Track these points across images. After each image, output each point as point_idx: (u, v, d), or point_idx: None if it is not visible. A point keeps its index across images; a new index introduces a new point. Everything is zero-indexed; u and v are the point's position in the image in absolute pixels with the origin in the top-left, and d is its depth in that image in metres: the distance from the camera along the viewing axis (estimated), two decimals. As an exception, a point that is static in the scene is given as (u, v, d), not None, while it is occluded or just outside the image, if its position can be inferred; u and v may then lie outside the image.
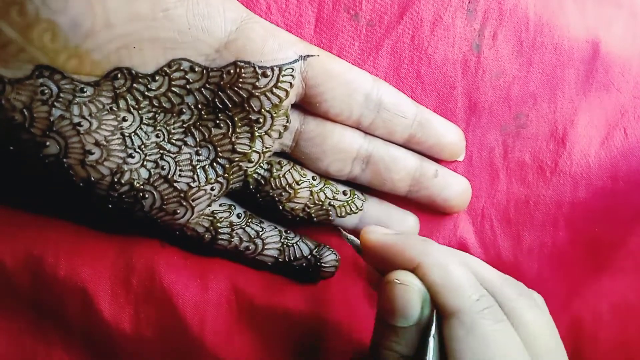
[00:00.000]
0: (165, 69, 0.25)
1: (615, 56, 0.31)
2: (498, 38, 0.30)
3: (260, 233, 0.28)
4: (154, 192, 0.25)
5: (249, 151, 0.26)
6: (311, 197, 0.28)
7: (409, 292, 0.23)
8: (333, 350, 0.31)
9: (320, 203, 0.28)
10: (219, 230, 0.27)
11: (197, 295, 0.29)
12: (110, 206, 0.25)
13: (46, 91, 0.23)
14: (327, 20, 0.30)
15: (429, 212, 0.31)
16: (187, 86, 0.25)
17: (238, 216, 0.28)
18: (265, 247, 0.28)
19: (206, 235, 0.27)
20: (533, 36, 0.31)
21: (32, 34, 0.22)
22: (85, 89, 0.24)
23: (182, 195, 0.26)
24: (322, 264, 0.29)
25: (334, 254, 0.30)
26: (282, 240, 0.29)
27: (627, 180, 0.31)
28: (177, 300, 0.28)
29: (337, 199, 0.29)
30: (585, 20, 0.31)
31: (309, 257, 0.29)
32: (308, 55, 0.26)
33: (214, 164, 0.26)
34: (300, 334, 0.31)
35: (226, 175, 0.27)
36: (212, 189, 0.26)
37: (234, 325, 0.30)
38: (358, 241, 0.27)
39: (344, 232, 0.28)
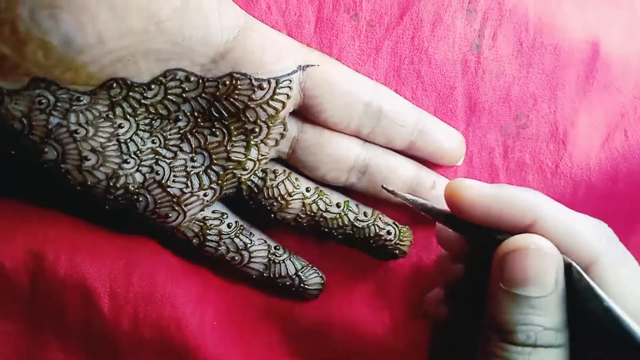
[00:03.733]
0: (161, 78, 0.25)
1: (616, 56, 0.31)
2: (498, 38, 0.30)
3: (249, 245, 0.28)
4: (148, 196, 0.26)
5: (244, 159, 0.27)
6: (303, 208, 0.28)
7: (545, 258, 0.21)
8: (333, 351, 0.30)
9: (312, 214, 0.28)
10: (207, 237, 0.28)
11: (196, 295, 0.29)
12: (106, 207, 0.26)
13: (43, 101, 0.23)
14: (327, 20, 0.29)
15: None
16: (183, 95, 0.25)
17: (228, 226, 0.28)
18: (252, 260, 0.29)
19: (194, 240, 0.28)
20: (533, 37, 0.30)
21: (25, 51, 0.22)
22: (81, 98, 0.24)
23: (174, 200, 0.26)
24: (306, 286, 0.29)
25: (320, 277, 0.30)
26: (269, 256, 0.29)
27: (627, 181, 0.31)
28: (176, 300, 0.28)
29: (329, 211, 0.28)
30: (585, 20, 0.31)
31: (294, 276, 0.29)
32: (307, 66, 0.26)
33: (209, 170, 0.26)
34: (299, 334, 0.31)
35: (220, 182, 0.27)
36: (205, 195, 0.27)
37: (234, 326, 0.30)
38: (422, 200, 0.25)
39: (403, 194, 0.25)
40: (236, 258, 0.28)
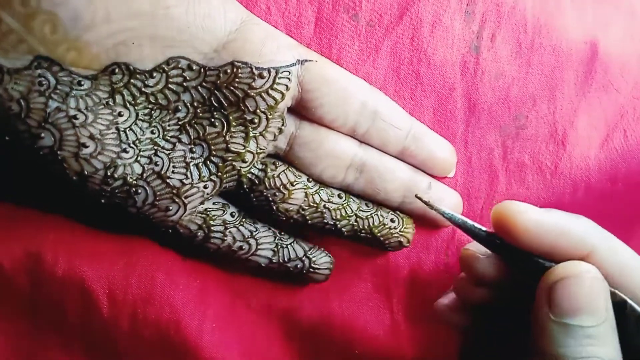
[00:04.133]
0: (163, 66, 0.25)
1: (614, 57, 0.31)
2: (496, 40, 0.31)
3: (254, 233, 0.28)
4: (147, 188, 0.25)
5: (243, 151, 0.26)
6: (306, 198, 0.28)
7: (595, 285, 0.21)
8: (333, 351, 0.30)
9: (315, 205, 0.28)
10: (212, 228, 0.27)
11: (195, 295, 0.29)
12: (103, 201, 0.25)
13: (44, 82, 0.23)
14: (327, 20, 0.30)
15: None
16: (184, 84, 0.25)
17: (232, 215, 0.28)
18: (259, 247, 0.28)
19: (199, 233, 0.27)
20: (531, 38, 0.31)
21: (32, 24, 0.22)
22: (82, 82, 0.24)
23: (174, 191, 0.26)
24: (316, 266, 0.29)
25: (328, 256, 0.30)
26: (276, 241, 0.29)
27: (627, 182, 0.31)
28: (176, 302, 0.28)
29: (332, 202, 0.28)
30: (584, 21, 0.31)
31: (303, 258, 0.29)
32: (306, 60, 0.26)
33: (208, 162, 0.26)
34: (299, 335, 0.30)
35: (219, 173, 0.26)
36: (205, 187, 0.26)
37: (233, 327, 0.30)
38: (462, 217, 0.24)
39: (441, 207, 0.24)
40: (243, 247, 0.28)
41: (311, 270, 0.29)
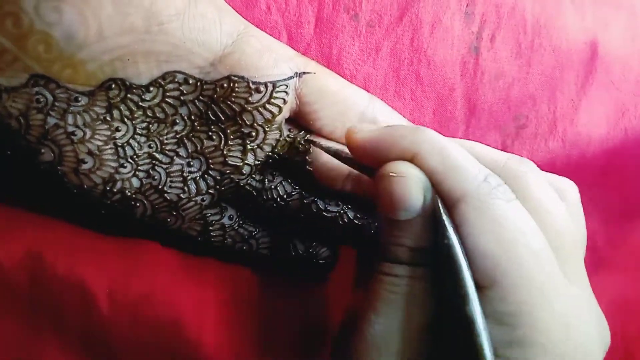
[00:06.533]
0: (160, 80, 0.25)
1: (615, 56, 0.31)
2: (496, 40, 0.31)
3: (254, 233, 0.28)
4: (145, 202, 0.26)
5: (241, 164, 0.26)
6: (303, 208, 0.28)
7: (407, 183, 0.22)
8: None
9: (312, 214, 0.28)
10: (211, 233, 0.28)
11: (196, 296, 0.29)
12: (103, 212, 0.26)
13: (41, 99, 0.23)
14: (327, 20, 0.30)
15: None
16: (181, 97, 0.25)
17: (230, 218, 0.28)
18: (260, 246, 0.28)
19: (199, 238, 0.28)
20: (531, 38, 0.31)
21: (26, 44, 0.22)
22: (79, 99, 0.24)
23: (172, 205, 0.26)
24: (319, 260, 0.29)
25: (330, 249, 0.30)
26: (276, 240, 0.29)
27: (627, 178, 0.32)
28: (176, 301, 0.28)
29: (329, 210, 0.28)
30: (584, 21, 0.31)
31: (304, 254, 0.29)
32: (304, 73, 0.26)
33: (205, 175, 0.26)
34: (299, 335, 0.30)
35: (217, 187, 0.27)
36: (202, 200, 0.27)
37: (233, 327, 0.30)
38: (334, 145, 0.26)
39: (318, 141, 0.27)
40: (244, 247, 0.28)
41: (313, 262, 0.29)
